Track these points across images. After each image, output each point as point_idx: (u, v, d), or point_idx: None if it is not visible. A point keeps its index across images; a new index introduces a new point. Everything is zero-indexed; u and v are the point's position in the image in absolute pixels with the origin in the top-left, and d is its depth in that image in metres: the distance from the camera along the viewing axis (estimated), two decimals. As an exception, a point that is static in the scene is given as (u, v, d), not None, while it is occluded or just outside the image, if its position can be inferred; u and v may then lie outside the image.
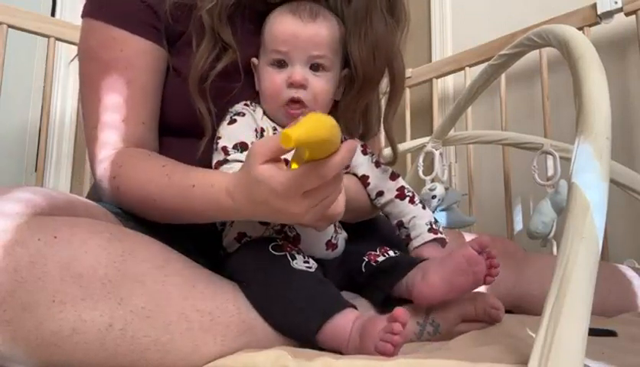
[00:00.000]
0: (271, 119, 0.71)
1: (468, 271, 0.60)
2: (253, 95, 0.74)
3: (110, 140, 0.69)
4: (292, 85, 0.67)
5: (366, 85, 0.74)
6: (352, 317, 0.55)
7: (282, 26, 0.69)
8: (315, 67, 0.69)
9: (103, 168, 0.68)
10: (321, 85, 0.69)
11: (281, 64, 0.69)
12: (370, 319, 0.54)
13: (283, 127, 0.67)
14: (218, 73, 0.70)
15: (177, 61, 0.73)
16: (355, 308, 0.57)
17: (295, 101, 0.68)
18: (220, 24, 0.71)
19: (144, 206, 0.65)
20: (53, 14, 1.94)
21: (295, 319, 0.56)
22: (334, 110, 0.75)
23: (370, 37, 0.73)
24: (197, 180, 0.59)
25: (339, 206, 0.56)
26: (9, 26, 1.41)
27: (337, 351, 0.54)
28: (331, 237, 0.69)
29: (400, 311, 0.51)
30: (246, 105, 0.72)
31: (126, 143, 0.69)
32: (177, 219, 0.65)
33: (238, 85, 0.72)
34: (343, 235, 0.72)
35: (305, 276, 0.59)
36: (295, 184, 0.50)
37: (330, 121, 0.46)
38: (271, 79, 0.69)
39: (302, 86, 0.68)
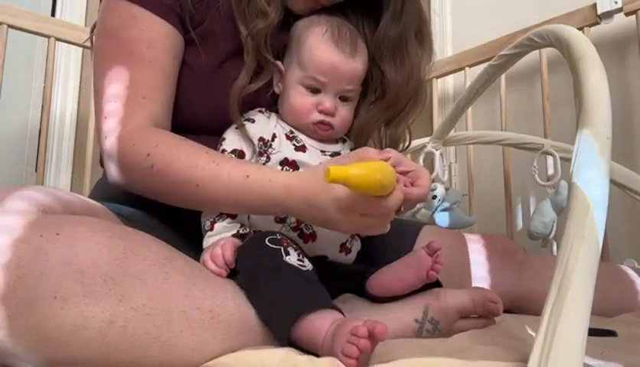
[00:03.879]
0: (287, 123, 0.74)
1: (413, 265, 0.65)
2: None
3: (131, 115, 0.68)
4: (322, 112, 0.71)
5: (394, 105, 0.80)
6: (331, 318, 0.52)
7: (325, 56, 0.71)
8: (343, 98, 0.73)
9: (129, 144, 0.67)
10: (346, 112, 0.74)
11: (314, 89, 0.72)
12: (345, 320, 0.52)
13: (303, 133, 0.73)
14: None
15: (190, 53, 0.74)
16: (341, 312, 0.55)
17: (324, 123, 0.72)
18: (264, 47, 0.73)
19: (180, 191, 0.65)
20: (53, 14, 1.94)
21: (273, 311, 0.56)
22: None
23: (407, 65, 0.80)
24: (251, 172, 0.62)
25: (387, 227, 0.62)
26: (9, 26, 1.41)
27: (314, 352, 0.52)
28: (347, 241, 0.72)
29: (371, 322, 0.48)
30: (260, 111, 0.75)
31: (148, 121, 0.69)
32: (211, 207, 0.67)
33: (267, 97, 0.75)
34: (358, 243, 0.74)
35: (294, 271, 0.58)
36: (359, 203, 0.56)
37: (377, 174, 0.54)
38: (302, 101, 0.72)
39: (332, 114, 0.72)
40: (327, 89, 0.71)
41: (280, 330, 0.55)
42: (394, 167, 0.62)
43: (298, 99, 0.72)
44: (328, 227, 0.61)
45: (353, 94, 0.74)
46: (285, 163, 0.69)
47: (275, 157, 0.70)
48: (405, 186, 0.62)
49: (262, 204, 0.62)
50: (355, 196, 0.56)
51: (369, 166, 0.54)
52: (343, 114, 0.73)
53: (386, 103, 0.80)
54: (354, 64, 0.72)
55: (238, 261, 0.62)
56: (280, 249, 0.60)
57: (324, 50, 0.71)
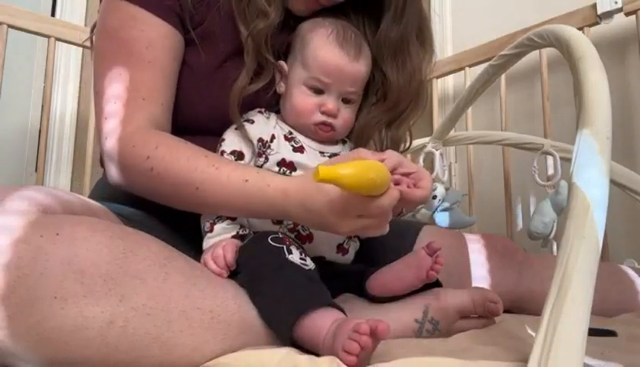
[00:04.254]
0: (287, 124, 0.74)
1: (413, 266, 0.65)
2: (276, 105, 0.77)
3: (132, 116, 0.68)
4: (324, 113, 0.72)
5: (396, 106, 0.80)
6: (332, 317, 0.52)
7: (329, 57, 0.71)
8: (346, 100, 0.74)
9: (129, 145, 0.66)
10: (348, 114, 0.75)
11: (317, 90, 0.72)
12: (346, 319, 0.52)
13: (303, 134, 0.73)
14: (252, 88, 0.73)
15: (190, 53, 0.74)
16: (342, 311, 0.55)
17: (325, 124, 0.72)
18: (265, 48, 0.73)
19: (180, 193, 0.65)
20: (53, 14, 1.94)
21: (275, 309, 0.56)
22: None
23: (409, 67, 0.80)
24: (250, 176, 0.62)
25: (386, 229, 0.62)
26: (9, 26, 1.41)
27: (315, 351, 0.52)
28: (344, 242, 0.72)
29: (373, 320, 0.48)
30: (260, 112, 0.75)
31: (148, 122, 0.69)
32: (210, 210, 0.66)
33: (267, 97, 0.75)
34: (356, 244, 0.74)
35: (296, 269, 0.58)
36: (353, 204, 0.56)
37: (370, 172, 0.53)
38: (304, 101, 0.72)
39: (334, 115, 0.72)
40: (330, 90, 0.72)
41: (282, 329, 0.55)
42: (395, 168, 0.63)
43: (301, 99, 0.72)
44: (326, 230, 0.61)
45: (355, 96, 0.75)
46: (282, 164, 0.69)
47: (273, 158, 0.70)
48: (408, 187, 0.62)
49: (261, 208, 0.63)
50: (348, 196, 0.55)
51: (361, 164, 0.53)
52: (345, 116, 0.74)
53: (387, 105, 0.80)
54: (358, 67, 0.73)
55: (239, 261, 0.62)
56: (283, 248, 0.61)
57: (329, 51, 0.71)
